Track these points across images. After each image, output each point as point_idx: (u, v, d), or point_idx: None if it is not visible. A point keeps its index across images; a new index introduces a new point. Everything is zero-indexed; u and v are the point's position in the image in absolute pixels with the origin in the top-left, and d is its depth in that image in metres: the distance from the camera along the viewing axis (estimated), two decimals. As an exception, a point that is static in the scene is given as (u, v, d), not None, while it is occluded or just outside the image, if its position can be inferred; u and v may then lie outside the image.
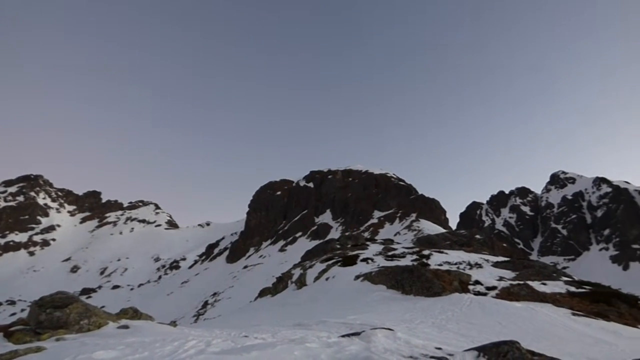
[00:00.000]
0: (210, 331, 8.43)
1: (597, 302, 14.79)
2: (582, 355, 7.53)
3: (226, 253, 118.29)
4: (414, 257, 28.36)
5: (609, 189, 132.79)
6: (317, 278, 25.22)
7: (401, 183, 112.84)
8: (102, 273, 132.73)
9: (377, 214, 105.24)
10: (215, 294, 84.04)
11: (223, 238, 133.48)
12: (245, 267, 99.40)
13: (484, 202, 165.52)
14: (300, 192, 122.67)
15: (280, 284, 28.38)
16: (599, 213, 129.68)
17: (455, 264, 25.34)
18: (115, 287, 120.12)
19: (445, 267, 23.22)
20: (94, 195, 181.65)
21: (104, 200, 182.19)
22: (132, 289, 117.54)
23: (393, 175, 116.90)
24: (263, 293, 29.28)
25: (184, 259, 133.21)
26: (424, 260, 26.72)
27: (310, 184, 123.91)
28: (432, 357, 5.81)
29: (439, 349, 6.50)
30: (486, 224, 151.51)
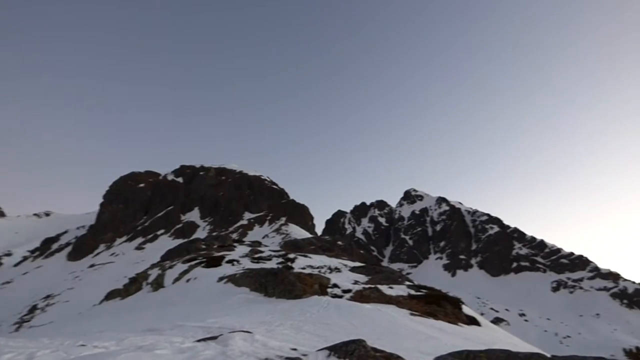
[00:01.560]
0: (35, 341, 7.07)
1: (430, 303, 17.22)
2: (416, 349, 8.64)
3: (68, 249, 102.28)
4: (280, 260, 28.93)
5: (447, 208, 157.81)
6: (177, 279, 23.69)
7: (274, 187, 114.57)
8: None
9: (247, 215, 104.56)
10: (48, 296, 71.93)
11: (66, 232, 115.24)
12: (92, 266, 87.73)
13: (348, 211, 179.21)
14: (167, 186, 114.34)
15: (133, 285, 25.79)
16: (438, 227, 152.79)
17: (318, 267, 26.71)
18: None
19: (308, 271, 24.22)
20: None
21: None
22: None
23: (267, 178, 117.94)
24: (111, 295, 26.22)
25: (9, 255, 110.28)
26: (289, 263, 27.48)
27: (180, 179, 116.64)
28: (287, 358, 5.94)
29: (294, 349, 6.69)
30: (348, 232, 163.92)
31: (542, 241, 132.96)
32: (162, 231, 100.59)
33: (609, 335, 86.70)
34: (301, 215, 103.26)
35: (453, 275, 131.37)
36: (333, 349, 5.85)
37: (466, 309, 18.66)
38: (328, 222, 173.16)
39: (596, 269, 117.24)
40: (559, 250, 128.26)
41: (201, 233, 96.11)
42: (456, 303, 18.30)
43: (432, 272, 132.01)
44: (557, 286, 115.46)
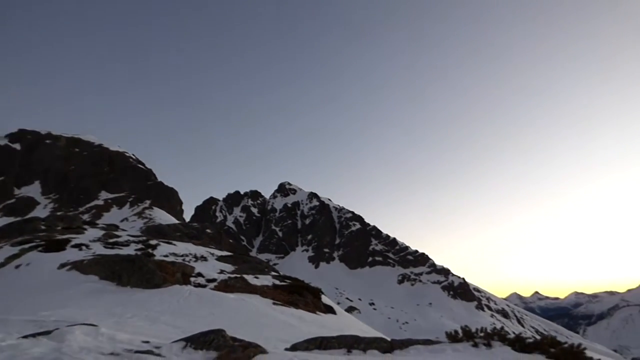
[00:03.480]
0: None
1: (293, 293, 17.92)
2: (275, 337, 8.89)
3: None
4: (140, 246, 26.67)
5: (317, 203, 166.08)
6: (2, 265, 19.81)
7: (140, 166, 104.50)
8: None
9: (104, 195, 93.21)
10: None
11: None
12: None
13: (221, 199, 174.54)
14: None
15: None
16: (307, 221, 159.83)
17: (182, 255, 25.36)
18: None
19: (171, 259, 22.81)
20: None
21: None
22: None
23: (132, 156, 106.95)
24: None
25: None
26: (150, 250, 25.49)
27: (17, 145, 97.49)
28: (137, 351, 5.44)
29: (147, 342, 6.19)
30: (219, 220, 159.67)
31: (394, 239, 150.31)
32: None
33: (437, 320, 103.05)
34: (169, 200, 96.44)
35: (316, 267, 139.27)
36: (190, 340, 5.62)
37: (325, 299, 19.98)
38: (198, 208, 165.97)
39: (433, 265, 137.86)
40: (406, 247, 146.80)
41: (42, 212, 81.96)
42: (316, 293, 19.44)
43: (298, 264, 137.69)
44: (402, 279, 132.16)
